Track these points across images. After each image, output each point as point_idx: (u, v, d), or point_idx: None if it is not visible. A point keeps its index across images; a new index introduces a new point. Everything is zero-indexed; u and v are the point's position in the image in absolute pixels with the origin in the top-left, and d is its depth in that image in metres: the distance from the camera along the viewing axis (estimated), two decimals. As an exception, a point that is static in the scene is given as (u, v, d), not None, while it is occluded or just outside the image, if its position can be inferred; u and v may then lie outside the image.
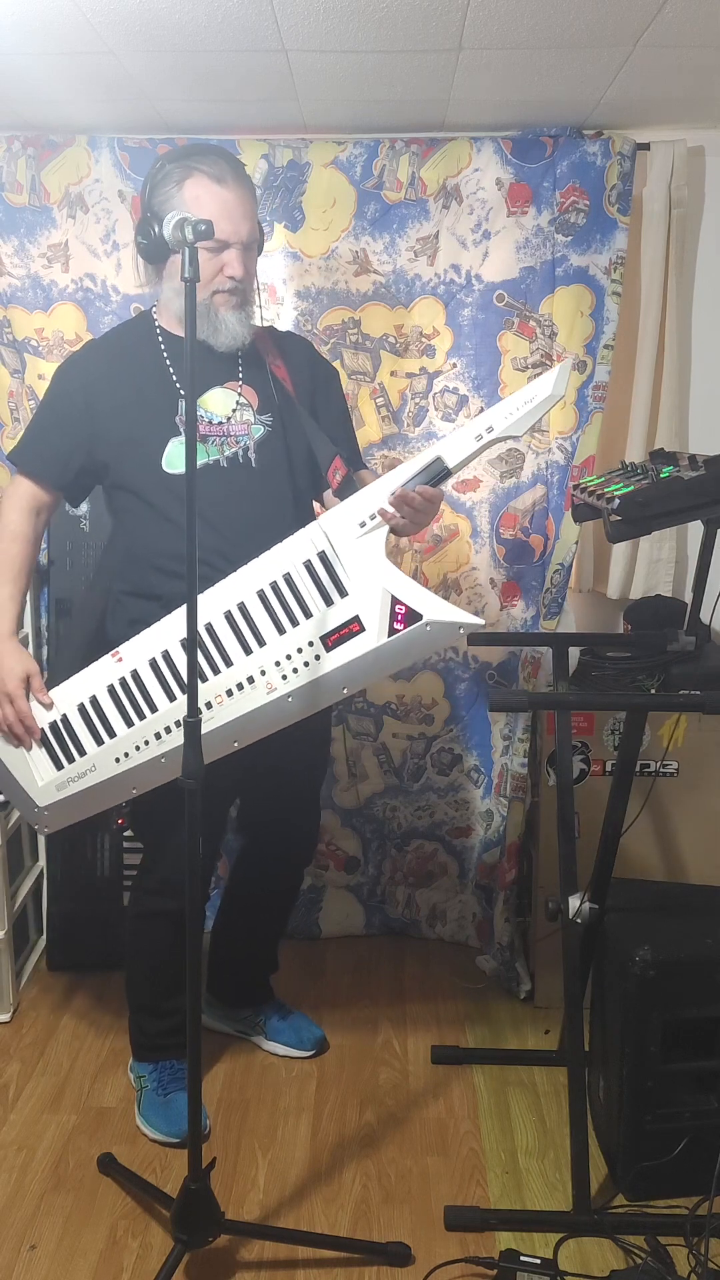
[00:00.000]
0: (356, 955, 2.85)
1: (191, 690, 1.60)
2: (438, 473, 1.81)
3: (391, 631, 1.77)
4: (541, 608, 2.68)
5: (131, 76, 2.25)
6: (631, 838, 2.17)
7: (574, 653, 2.46)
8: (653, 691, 2.36)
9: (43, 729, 1.98)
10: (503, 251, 2.57)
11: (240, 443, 1.99)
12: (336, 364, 2.65)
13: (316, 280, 2.62)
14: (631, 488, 1.88)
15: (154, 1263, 1.79)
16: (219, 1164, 1.90)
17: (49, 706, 1.97)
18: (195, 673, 1.60)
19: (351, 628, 1.79)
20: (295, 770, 2.19)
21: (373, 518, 1.82)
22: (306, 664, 1.81)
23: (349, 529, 1.82)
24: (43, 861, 2.78)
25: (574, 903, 2.03)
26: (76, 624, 2.31)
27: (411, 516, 1.82)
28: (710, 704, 1.83)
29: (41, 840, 2.79)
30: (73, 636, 2.50)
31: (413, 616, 1.77)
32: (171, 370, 1.99)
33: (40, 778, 1.99)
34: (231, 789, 2.20)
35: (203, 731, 1.82)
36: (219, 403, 1.99)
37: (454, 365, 2.66)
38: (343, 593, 1.81)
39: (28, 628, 2.69)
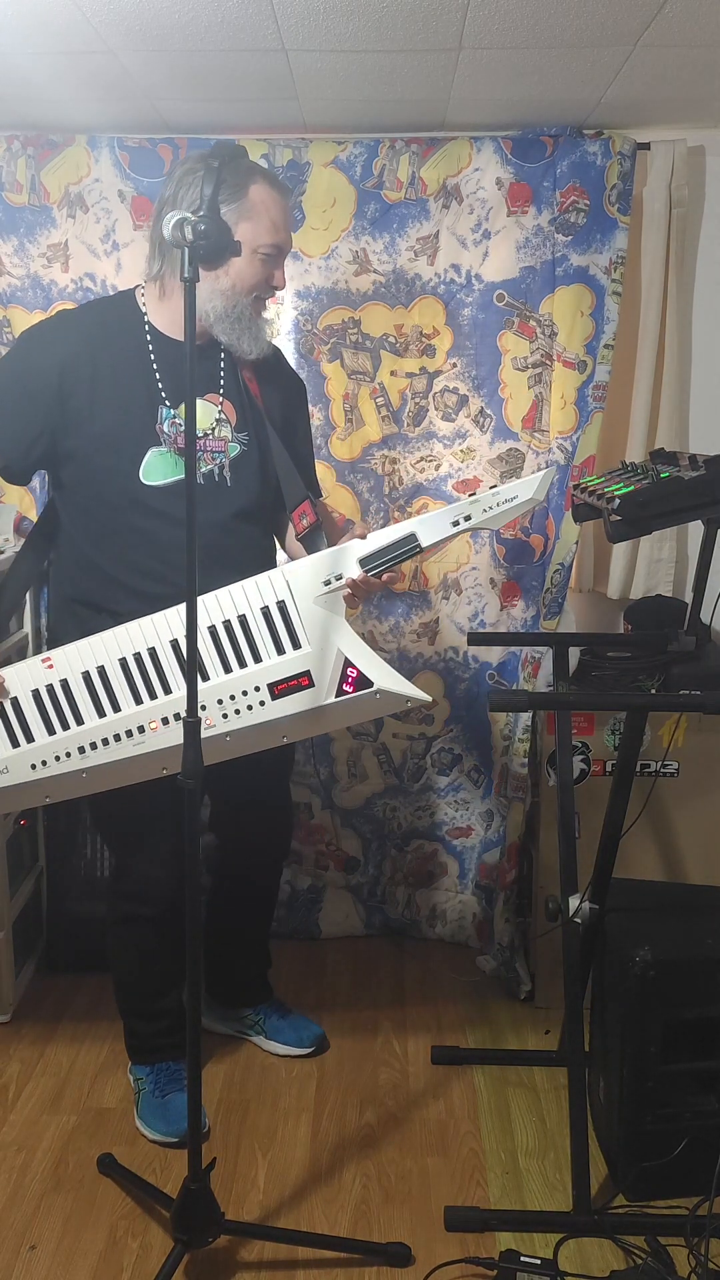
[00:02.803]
0: (356, 955, 2.84)
1: (191, 689, 1.58)
2: (409, 549, 1.82)
3: (340, 693, 1.78)
4: (541, 608, 2.68)
5: (131, 76, 2.25)
6: (631, 838, 2.17)
7: (574, 653, 2.46)
8: (653, 691, 2.36)
9: None
10: (503, 251, 2.57)
11: (216, 459, 1.94)
12: (335, 364, 2.65)
13: (316, 280, 2.62)
14: (631, 488, 1.88)
15: (154, 1263, 1.79)
16: (219, 1164, 1.90)
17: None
18: (194, 671, 1.58)
19: (300, 680, 1.79)
20: (258, 764, 2.07)
21: (338, 578, 1.80)
22: (250, 707, 1.80)
23: (313, 584, 1.81)
24: (43, 862, 2.78)
25: (574, 903, 2.03)
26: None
27: (366, 595, 1.84)
28: (710, 704, 1.83)
29: (41, 840, 2.78)
30: None
31: (363, 682, 1.78)
32: (158, 375, 1.92)
33: None
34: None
35: (131, 754, 1.81)
36: (200, 415, 1.92)
37: (454, 365, 2.66)
38: (296, 645, 1.80)
39: (27, 627, 2.69)
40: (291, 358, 2.56)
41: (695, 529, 2.36)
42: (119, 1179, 2.01)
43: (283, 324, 2.64)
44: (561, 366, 2.60)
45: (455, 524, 1.81)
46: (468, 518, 1.81)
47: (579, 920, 2.02)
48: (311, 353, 2.65)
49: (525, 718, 2.67)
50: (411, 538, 1.81)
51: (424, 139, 2.55)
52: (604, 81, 2.30)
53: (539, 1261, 1.77)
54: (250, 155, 2.49)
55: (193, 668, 1.59)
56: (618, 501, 1.83)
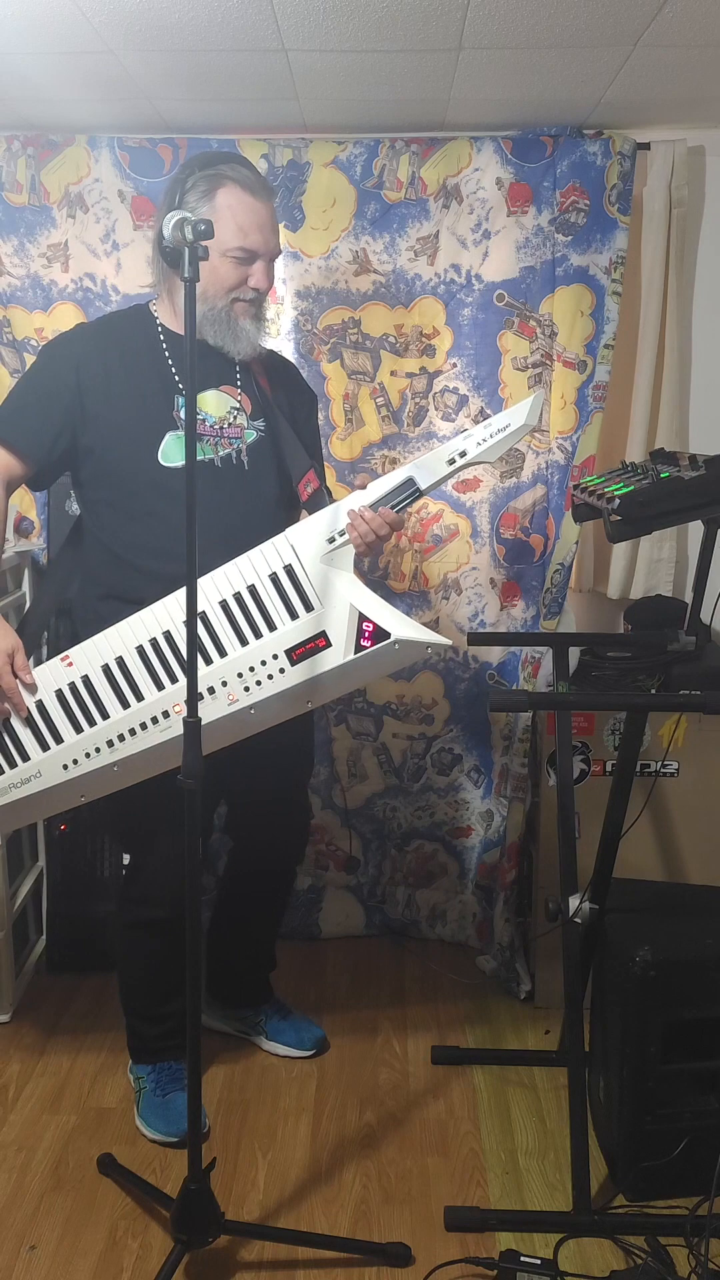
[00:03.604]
0: (356, 955, 2.84)
1: (191, 689, 1.59)
2: (409, 494, 1.81)
3: (358, 648, 1.77)
4: (541, 608, 2.68)
5: (131, 76, 2.25)
6: (631, 838, 2.16)
7: (574, 653, 2.46)
8: (653, 691, 2.36)
9: None
10: (503, 251, 2.57)
11: (234, 445, 1.99)
12: (335, 364, 2.65)
13: (316, 280, 2.62)
14: (631, 488, 1.88)
15: (154, 1263, 1.79)
16: (219, 1164, 1.90)
17: (31, 687, 1.88)
18: (195, 670, 1.59)
19: (318, 642, 1.78)
20: (279, 764, 2.14)
21: (341, 534, 1.81)
22: (270, 676, 1.79)
23: (317, 544, 1.81)
24: (43, 861, 2.78)
25: (574, 903, 2.03)
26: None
27: (371, 539, 1.83)
28: (710, 704, 1.83)
29: (41, 840, 2.78)
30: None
31: (380, 634, 1.76)
32: (173, 367, 1.98)
33: None
34: (214, 790, 2.17)
35: (159, 740, 1.80)
36: (214, 404, 1.98)
37: (454, 365, 2.66)
38: (309, 607, 1.79)
39: (28, 628, 2.68)
40: (291, 358, 2.56)
41: (695, 529, 2.36)
42: (119, 1179, 2.01)
43: (283, 324, 2.64)
44: (561, 366, 2.61)
45: (451, 461, 1.81)
46: (463, 454, 1.80)
47: (579, 920, 2.02)
48: (311, 353, 2.65)
49: (525, 718, 2.67)
50: (410, 482, 1.81)
51: (424, 139, 2.55)
52: (604, 81, 2.30)
53: (539, 1261, 1.77)
54: (250, 155, 2.52)
55: (193, 665, 1.58)
56: (618, 501, 1.83)
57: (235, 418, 2.00)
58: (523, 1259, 1.77)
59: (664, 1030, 1.91)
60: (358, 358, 2.67)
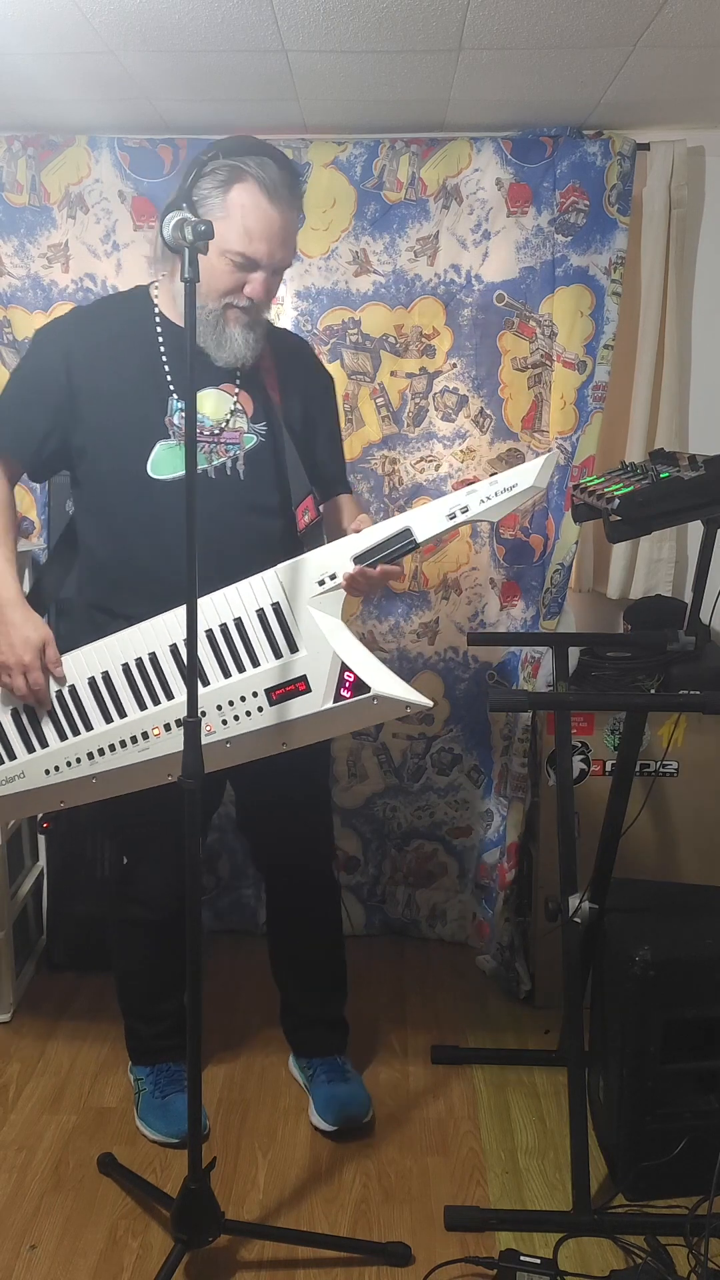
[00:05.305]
0: (356, 955, 2.82)
1: (191, 689, 1.58)
2: (405, 544, 1.75)
3: (337, 698, 1.73)
4: (541, 608, 2.68)
5: (131, 76, 2.25)
6: (631, 838, 2.17)
7: (574, 653, 2.46)
8: (652, 691, 2.37)
9: None
10: (503, 251, 2.57)
11: (230, 452, 1.87)
12: (335, 364, 2.65)
13: (316, 280, 2.62)
14: (631, 488, 1.88)
15: (154, 1263, 1.79)
16: (219, 1164, 1.90)
17: (61, 680, 1.85)
18: (195, 672, 1.58)
19: (298, 686, 1.74)
20: (294, 764, 1.96)
21: (333, 578, 1.74)
22: (248, 713, 1.76)
23: (307, 585, 1.75)
24: (43, 861, 2.78)
25: (574, 903, 2.03)
26: None
27: (369, 593, 1.78)
28: (710, 704, 1.83)
29: (41, 840, 2.79)
30: None
31: (360, 687, 1.72)
32: (167, 366, 1.86)
33: None
34: (208, 795, 2.08)
35: (136, 760, 1.79)
36: (212, 405, 1.87)
37: (454, 365, 2.66)
38: (293, 648, 1.75)
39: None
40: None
41: (695, 529, 2.36)
42: (119, 1178, 2.01)
43: (283, 324, 2.64)
44: (561, 367, 2.61)
45: (451, 516, 1.74)
46: (464, 509, 1.73)
47: (579, 920, 2.02)
48: (312, 353, 2.65)
49: (525, 718, 2.67)
50: (406, 532, 1.74)
51: (424, 139, 2.55)
52: (604, 82, 2.30)
53: (539, 1261, 1.77)
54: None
55: (193, 664, 1.58)
56: (617, 501, 1.83)
57: (234, 421, 1.88)
58: (523, 1258, 1.77)
59: (664, 1030, 1.91)
60: (358, 358, 2.67)
